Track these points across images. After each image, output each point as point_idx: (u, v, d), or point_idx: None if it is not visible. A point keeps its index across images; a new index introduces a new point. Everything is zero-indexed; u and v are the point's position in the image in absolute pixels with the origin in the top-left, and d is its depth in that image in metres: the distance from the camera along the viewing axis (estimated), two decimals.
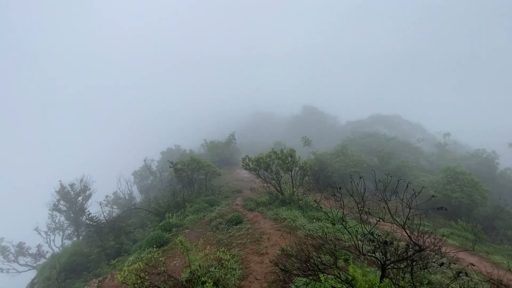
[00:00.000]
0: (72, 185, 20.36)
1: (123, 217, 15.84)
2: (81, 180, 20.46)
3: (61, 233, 23.48)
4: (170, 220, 9.82)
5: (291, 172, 11.01)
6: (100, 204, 15.73)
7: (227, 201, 13.93)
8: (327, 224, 7.76)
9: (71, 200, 19.72)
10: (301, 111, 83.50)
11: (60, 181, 20.44)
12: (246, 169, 11.62)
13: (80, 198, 19.94)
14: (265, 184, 11.53)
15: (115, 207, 29.60)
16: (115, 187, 31.34)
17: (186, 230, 9.20)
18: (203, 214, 11.22)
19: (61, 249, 20.79)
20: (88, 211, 18.47)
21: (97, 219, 14.15)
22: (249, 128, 79.14)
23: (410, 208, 4.08)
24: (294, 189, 10.35)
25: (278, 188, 10.95)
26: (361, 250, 4.35)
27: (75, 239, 20.16)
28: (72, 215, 19.98)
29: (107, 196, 29.98)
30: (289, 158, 10.86)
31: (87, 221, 13.97)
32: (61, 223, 22.01)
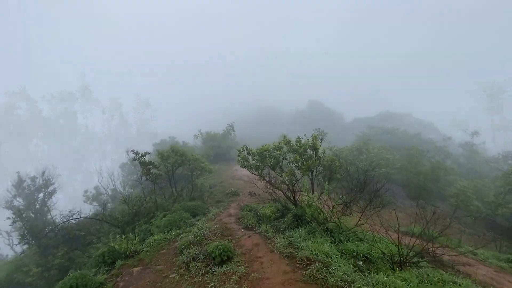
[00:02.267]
0: (33, 178, 16.69)
1: (82, 224, 12.20)
2: (43, 173, 16.72)
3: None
4: (116, 245, 6.03)
5: (312, 173, 7.16)
6: (48, 207, 11.95)
7: (217, 209, 10.16)
8: (397, 281, 3.93)
9: (28, 196, 16.04)
10: (306, 106, 79.88)
11: (18, 172, 16.84)
12: (243, 166, 7.80)
13: (40, 195, 16.24)
14: (271, 190, 7.70)
15: (95, 203, 26.10)
16: (104, 180, 27.97)
17: (136, 269, 5.40)
18: (177, 232, 7.45)
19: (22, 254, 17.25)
20: (47, 211, 14.92)
21: (38, 227, 10.51)
22: (251, 122, 75.49)
23: None
24: (319, 201, 6.49)
25: (292, 198, 7.12)
26: None
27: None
28: (31, 214, 16.34)
29: (86, 191, 26.47)
30: (310, 152, 6.99)
31: (21, 231, 10.28)
32: None
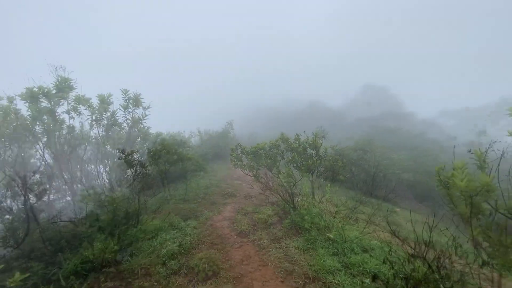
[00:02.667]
0: (23, 178, 16.12)
1: (71, 227, 11.56)
2: (34, 172, 16.14)
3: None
4: (91, 255, 5.38)
5: (312, 174, 6.48)
6: (35, 209, 11.29)
7: (211, 212, 9.48)
8: None
9: (18, 197, 15.47)
10: (307, 105, 79.07)
11: (9, 171, 16.30)
12: (236, 166, 7.13)
13: (32, 194, 15.65)
14: (269, 192, 7.03)
15: (91, 203, 25.49)
16: (102, 179, 27.58)
17: (110, 284, 4.74)
18: (164, 238, 6.80)
19: None
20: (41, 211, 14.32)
21: (23, 230, 9.86)
22: (251, 122, 74.87)
23: None
24: (319, 205, 5.81)
25: (290, 201, 6.45)
26: None
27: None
28: (22, 215, 15.77)
29: (82, 191, 25.80)
30: (310, 151, 6.32)
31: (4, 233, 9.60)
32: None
